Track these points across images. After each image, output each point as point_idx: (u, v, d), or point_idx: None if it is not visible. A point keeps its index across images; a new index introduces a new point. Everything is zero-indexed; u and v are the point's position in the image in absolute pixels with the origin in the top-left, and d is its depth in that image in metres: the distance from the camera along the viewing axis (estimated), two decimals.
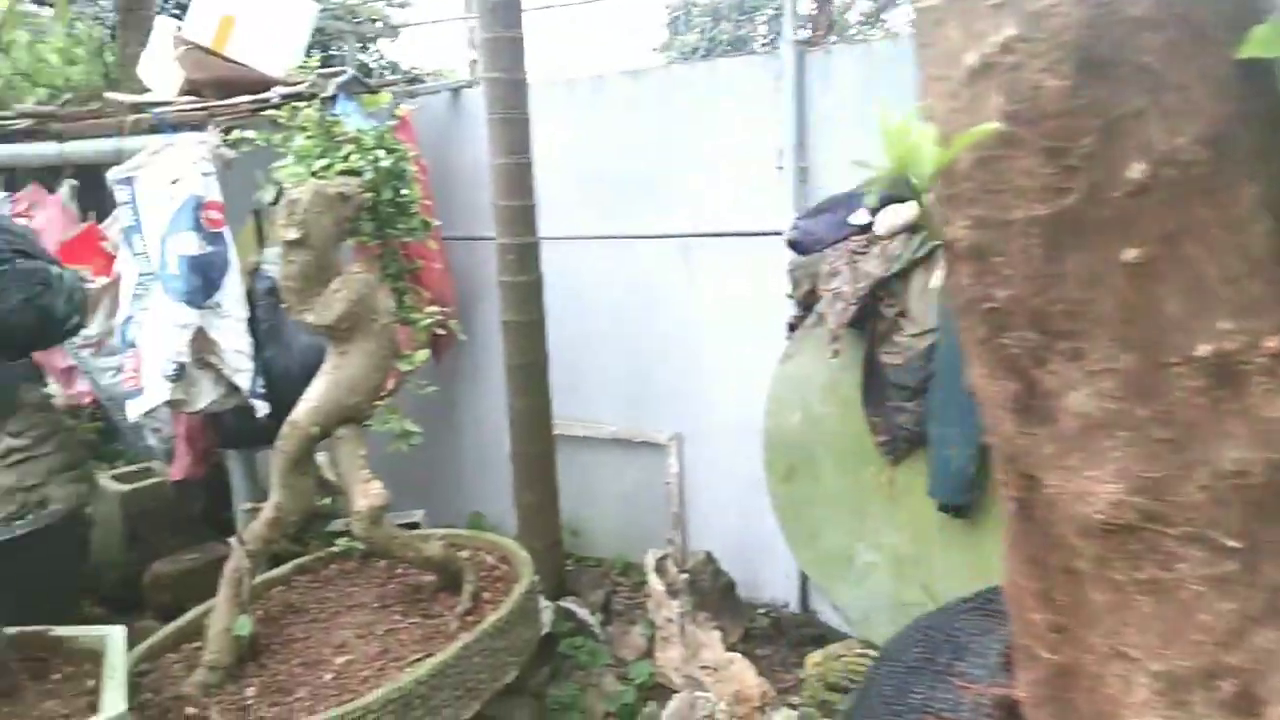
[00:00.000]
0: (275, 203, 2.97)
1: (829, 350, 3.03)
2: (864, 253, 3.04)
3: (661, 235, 4.28)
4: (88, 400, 4.39)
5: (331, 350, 2.90)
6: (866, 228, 3.10)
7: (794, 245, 3.29)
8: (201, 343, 3.63)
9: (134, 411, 3.50)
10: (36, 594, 3.53)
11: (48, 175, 4.68)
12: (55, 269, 2.23)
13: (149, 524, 4.78)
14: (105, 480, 4.70)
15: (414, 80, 4.51)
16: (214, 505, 5.30)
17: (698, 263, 4.25)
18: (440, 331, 3.32)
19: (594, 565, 4.65)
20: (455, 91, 4.75)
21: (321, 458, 3.12)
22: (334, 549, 3.44)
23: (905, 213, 3.00)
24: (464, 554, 3.11)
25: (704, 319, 4.27)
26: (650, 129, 4.24)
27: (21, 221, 4.60)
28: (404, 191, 3.04)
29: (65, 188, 4.70)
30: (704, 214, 4.17)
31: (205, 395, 3.66)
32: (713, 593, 3.99)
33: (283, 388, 3.81)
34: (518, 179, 3.78)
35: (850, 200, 3.19)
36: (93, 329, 3.94)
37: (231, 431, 3.96)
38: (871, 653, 3.31)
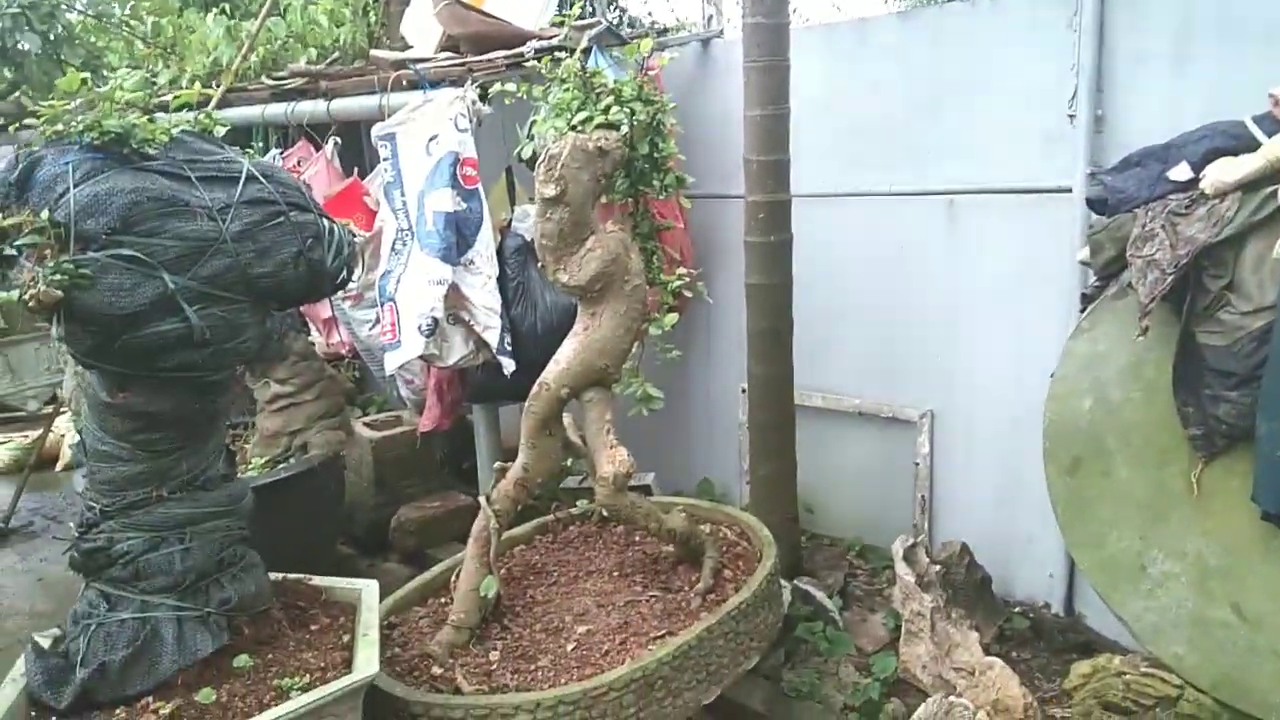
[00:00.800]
0: (531, 161, 2.90)
1: (1136, 327, 2.61)
2: (1186, 214, 2.59)
3: (924, 192, 3.92)
4: (345, 350, 4.60)
5: (582, 311, 2.81)
6: (1189, 184, 2.64)
7: (1096, 204, 2.87)
8: (454, 299, 3.67)
9: (391, 364, 3.59)
10: (298, 534, 3.73)
11: (316, 132, 4.92)
12: (326, 222, 2.23)
13: (396, 470, 4.99)
14: (358, 426, 4.93)
15: (662, 32, 4.35)
16: (455, 454, 5.49)
17: (964, 223, 3.87)
18: (687, 294, 3.16)
19: (828, 544, 4.42)
20: (704, 43, 4.55)
21: (566, 419, 3.06)
22: (574, 510, 3.40)
23: (1242, 167, 2.53)
24: (704, 528, 2.97)
25: (968, 286, 3.89)
26: (917, 76, 3.88)
27: None
28: (660, 146, 2.89)
29: (330, 144, 4.92)
30: (974, 169, 3.78)
31: (457, 351, 3.71)
32: (966, 587, 3.65)
33: (529, 346, 3.81)
34: (774, 131, 3.55)
35: (1168, 152, 2.73)
36: (354, 282, 4.10)
37: (479, 387, 4.02)
38: (1162, 674, 2.90)
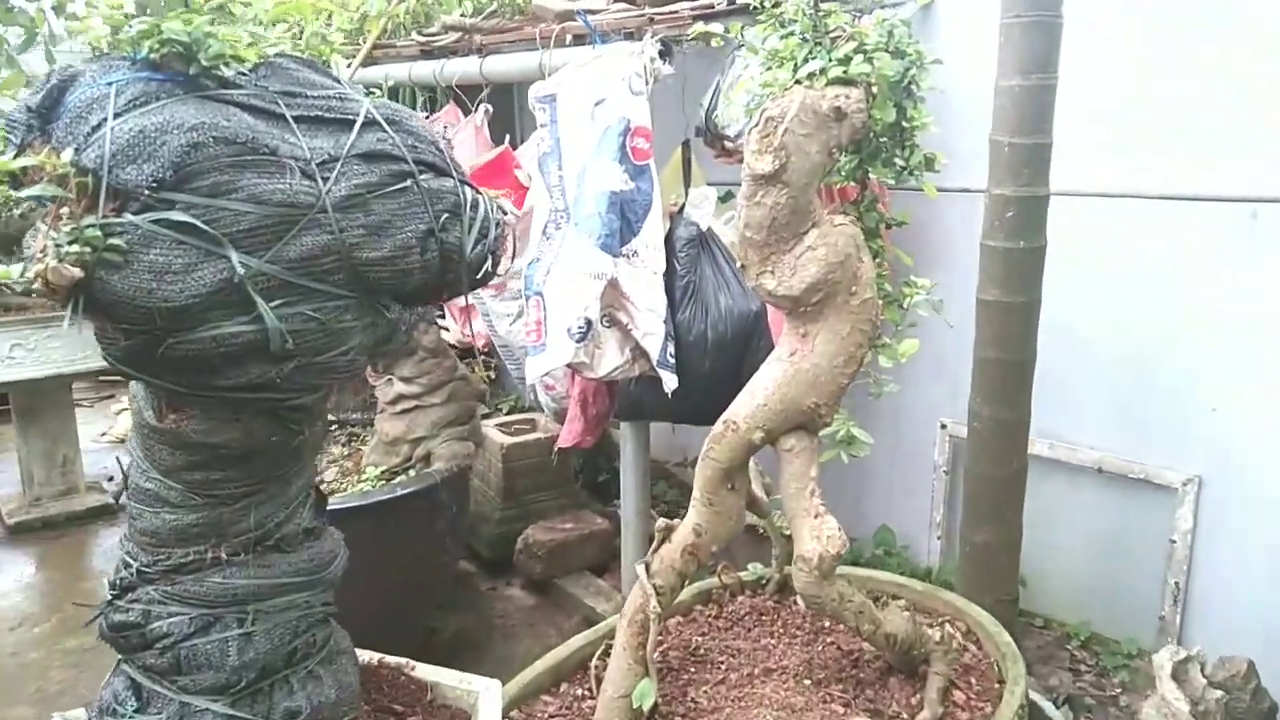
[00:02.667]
0: (713, 135, 2.21)
1: None
2: None
3: (1216, 198, 3.04)
4: (482, 343, 4.03)
5: (790, 329, 2.10)
6: None
7: None
8: (612, 296, 3.03)
9: (533, 371, 2.97)
10: (412, 558, 3.17)
11: (468, 96, 4.37)
12: (470, 192, 1.59)
13: (527, 481, 4.42)
14: (489, 429, 4.37)
15: None
16: (592, 467, 4.88)
17: (1271, 240, 2.97)
18: (921, 312, 2.41)
19: (1041, 628, 3.58)
20: (925, 7, 3.75)
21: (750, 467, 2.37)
22: (744, 575, 2.71)
23: None
24: (932, 631, 2.22)
25: (1269, 322, 2.99)
26: (1217, 45, 3.00)
27: None
28: (910, 114, 2.14)
29: (480, 110, 4.36)
30: None
31: (610, 359, 3.06)
32: (1249, 716, 2.78)
33: (695, 359, 3.13)
34: (1036, 107, 2.75)
35: None
36: (499, 274, 3.50)
37: (631, 402, 3.36)
38: None
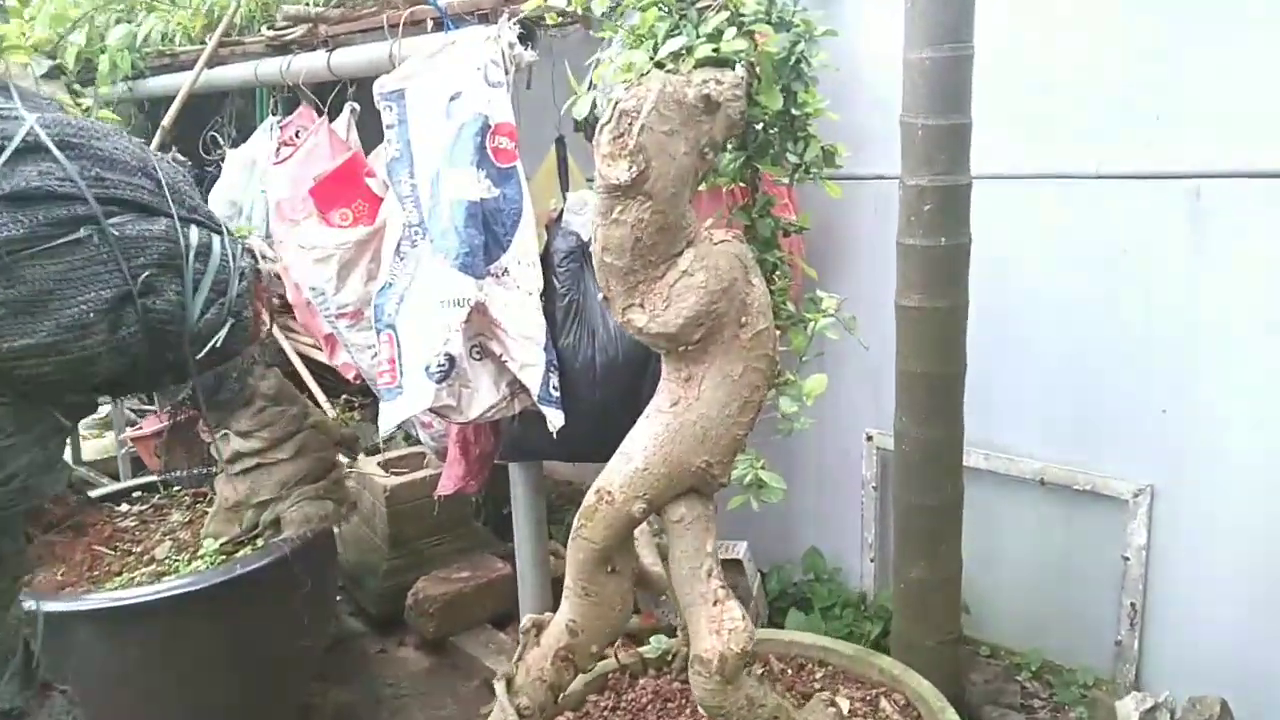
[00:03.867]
0: (588, 123, 1.79)
1: None
2: None
3: (1154, 175, 2.72)
4: (353, 376, 3.54)
5: (670, 374, 1.69)
6: None
7: None
8: (480, 323, 2.59)
9: (386, 421, 2.50)
10: (262, 650, 2.70)
11: (331, 95, 3.87)
12: (199, 234, 1.13)
13: (417, 524, 3.96)
14: (369, 469, 3.90)
15: None
16: (494, 501, 4.43)
17: (1215, 222, 2.66)
18: (830, 335, 2.02)
19: (987, 658, 3.24)
20: None
21: (640, 535, 1.97)
22: (646, 651, 2.30)
23: None
24: (848, 700, 1.83)
25: (1217, 313, 2.68)
26: (1150, 6, 2.67)
27: (285, 151, 3.83)
28: (801, 98, 1.74)
29: (347, 111, 3.86)
30: (1234, 144, 2.57)
31: (483, 399, 2.62)
32: None
33: (583, 389, 2.71)
34: (950, 82, 2.39)
35: None
36: (348, 295, 3.03)
37: (514, 441, 2.92)
38: None
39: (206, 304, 1.15)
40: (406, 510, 3.88)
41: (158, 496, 3.21)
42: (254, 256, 1.29)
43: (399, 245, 2.71)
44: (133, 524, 3.00)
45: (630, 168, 1.48)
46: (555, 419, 2.61)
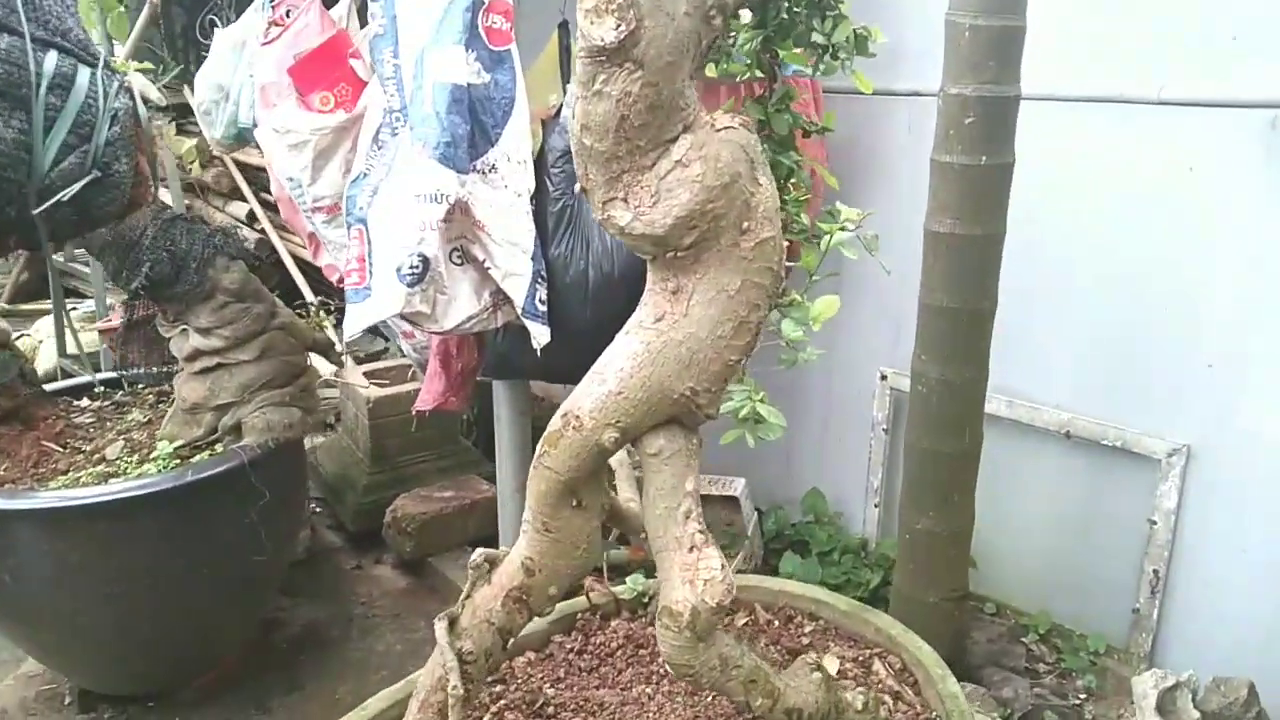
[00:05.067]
0: None
1: None
2: None
3: (1222, 103, 2.41)
4: (337, 279, 3.31)
5: (656, 284, 1.45)
6: None
7: None
8: (462, 224, 2.34)
9: (351, 325, 2.27)
10: (219, 554, 2.53)
11: None
12: (58, 59, 0.89)
13: (401, 439, 3.77)
14: (354, 377, 3.70)
15: None
16: (486, 418, 4.23)
17: None
18: (847, 253, 1.76)
19: (992, 618, 3.05)
20: None
21: (621, 469, 1.75)
22: (621, 591, 2.10)
23: None
24: (854, 695, 1.62)
25: None
26: None
27: (274, 31, 3.54)
28: None
29: None
30: None
31: (462, 307, 2.38)
32: None
33: (574, 306, 2.48)
34: None
35: None
36: (324, 187, 2.78)
37: (499, 357, 2.69)
38: None
39: (64, 150, 0.91)
40: (390, 424, 3.69)
41: (120, 394, 3.02)
42: (132, 98, 1.04)
43: (378, 132, 2.45)
44: (89, 420, 2.80)
45: (618, 25, 1.22)
46: (541, 335, 2.37)
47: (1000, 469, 2.87)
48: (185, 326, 2.52)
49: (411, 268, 2.23)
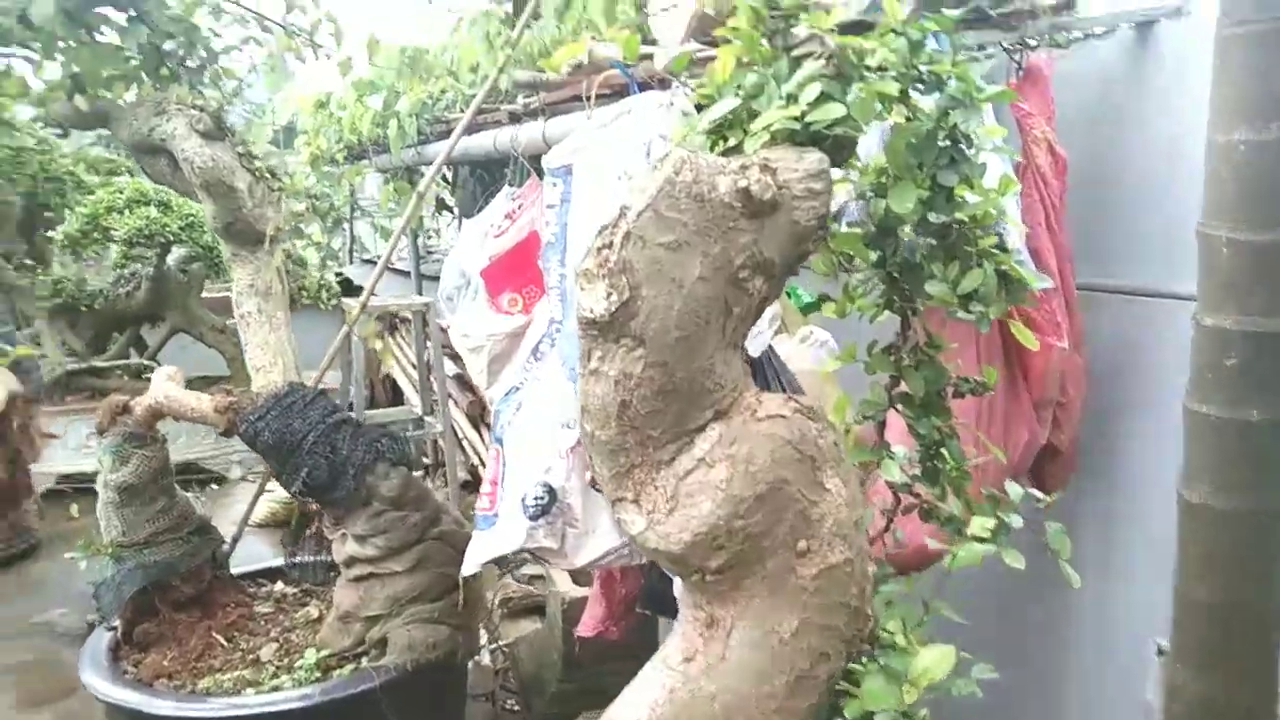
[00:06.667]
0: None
1: None
2: None
3: None
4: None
5: (688, 610, 1.11)
6: None
7: None
8: None
9: (471, 558, 2.07)
10: None
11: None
12: None
13: (598, 646, 3.49)
14: (557, 570, 3.52)
15: (1059, 7, 2.39)
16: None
17: None
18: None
19: None
20: (1143, 27, 2.53)
21: None
22: None
23: None
24: None
25: None
26: None
27: (504, 225, 3.62)
28: (957, 192, 1.10)
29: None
30: None
31: (597, 544, 2.10)
32: None
33: None
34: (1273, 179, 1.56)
35: None
36: (498, 391, 2.68)
37: (651, 590, 2.40)
38: None
39: None
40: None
41: (308, 583, 3.02)
42: None
43: (538, 344, 2.32)
44: (267, 611, 2.81)
45: (609, 294, 0.95)
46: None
47: None
48: (344, 531, 2.48)
49: (536, 499, 2.02)
